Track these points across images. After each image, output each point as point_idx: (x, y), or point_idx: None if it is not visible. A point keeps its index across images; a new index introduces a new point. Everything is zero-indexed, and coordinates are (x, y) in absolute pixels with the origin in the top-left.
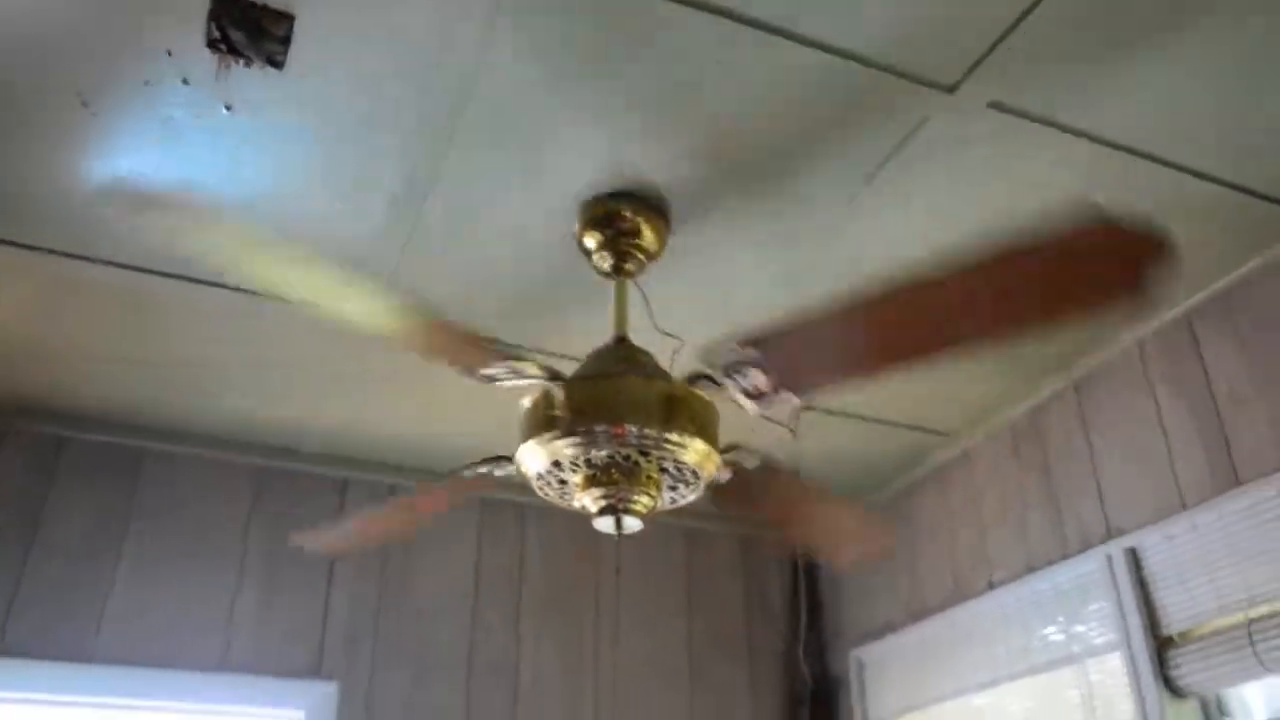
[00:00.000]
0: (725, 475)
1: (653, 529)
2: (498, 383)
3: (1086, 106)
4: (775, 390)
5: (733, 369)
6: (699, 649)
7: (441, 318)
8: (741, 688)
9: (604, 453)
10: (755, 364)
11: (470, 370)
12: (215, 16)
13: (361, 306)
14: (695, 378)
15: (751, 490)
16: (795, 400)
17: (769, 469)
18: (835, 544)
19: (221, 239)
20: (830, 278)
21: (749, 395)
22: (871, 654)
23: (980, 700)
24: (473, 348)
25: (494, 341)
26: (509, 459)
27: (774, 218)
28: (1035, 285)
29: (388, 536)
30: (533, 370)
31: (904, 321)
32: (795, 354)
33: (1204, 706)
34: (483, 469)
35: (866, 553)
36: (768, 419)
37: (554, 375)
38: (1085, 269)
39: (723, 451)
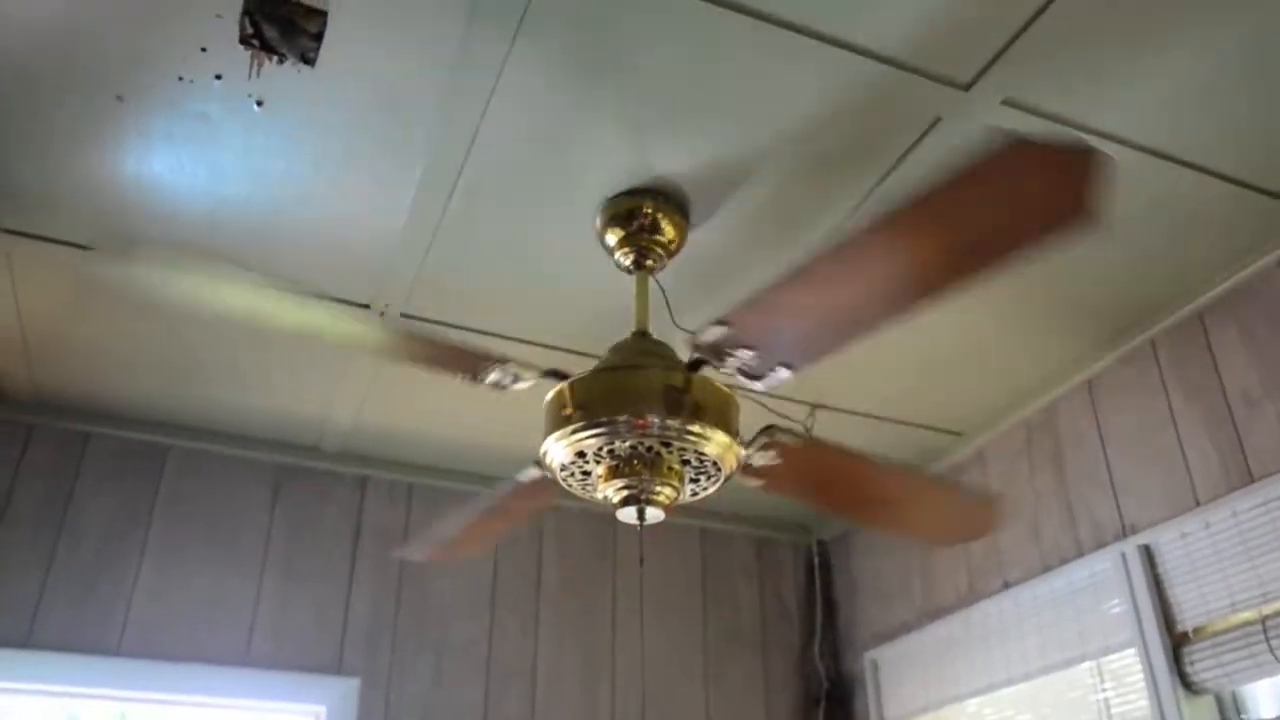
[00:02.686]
0: (770, 459)
1: (669, 529)
2: (504, 389)
3: (1099, 103)
4: (768, 365)
5: (720, 350)
6: (715, 649)
7: (431, 336)
8: (757, 688)
9: (627, 444)
10: (738, 342)
11: (472, 379)
12: (249, 12)
13: (357, 332)
14: (695, 364)
15: (807, 473)
16: (789, 373)
17: (826, 449)
18: (929, 528)
19: (229, 291)
20: None
21: (748, 375)
22: (886, 654)
23: (996, 700)
24: (465, 359)
25: (486, 352)
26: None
27: (791, 214)
28: (979, 215)
29: (481, 542)
30: (529, 373)
31: (864, 275)
32: (770, 324)
33: (1219, 703)
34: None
35: (966, 534)
36: (783, 415)
37: (554, 373)
38: (1023, 192)
39: (761, 432)
